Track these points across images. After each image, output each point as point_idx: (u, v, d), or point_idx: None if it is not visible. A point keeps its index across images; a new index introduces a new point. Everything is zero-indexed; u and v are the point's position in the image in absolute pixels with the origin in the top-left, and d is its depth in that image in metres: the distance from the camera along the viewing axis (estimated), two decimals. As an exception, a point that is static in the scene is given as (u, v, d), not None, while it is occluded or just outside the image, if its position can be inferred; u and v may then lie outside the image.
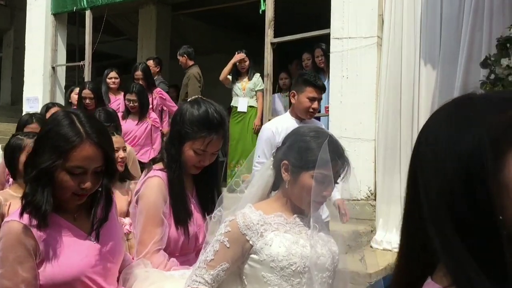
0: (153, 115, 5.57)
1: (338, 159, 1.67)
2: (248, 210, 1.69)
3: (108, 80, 6.33)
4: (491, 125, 0.65)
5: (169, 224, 1.98)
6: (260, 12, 6.20)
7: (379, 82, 5.09)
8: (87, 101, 5.35)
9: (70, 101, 6.26)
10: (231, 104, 6.32)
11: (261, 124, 6.06)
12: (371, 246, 4.81)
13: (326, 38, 5.58)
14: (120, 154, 2.96)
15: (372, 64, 5.11)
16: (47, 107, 5.03)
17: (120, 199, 2.70)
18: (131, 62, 8.42)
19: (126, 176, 3.02)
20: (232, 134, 6.02)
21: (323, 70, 5.89)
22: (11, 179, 2.85)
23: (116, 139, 2.72)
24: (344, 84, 5.20)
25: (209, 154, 2.01)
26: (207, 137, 1.96)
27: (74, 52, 8.78)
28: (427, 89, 4.79)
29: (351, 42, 5.23)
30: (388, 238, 4.83)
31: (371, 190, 5.01)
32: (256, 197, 1.78)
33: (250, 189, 1.80)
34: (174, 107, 5.86)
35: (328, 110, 5.42)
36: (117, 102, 6.03)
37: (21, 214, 1.52)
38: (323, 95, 5.77)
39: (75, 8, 8.02)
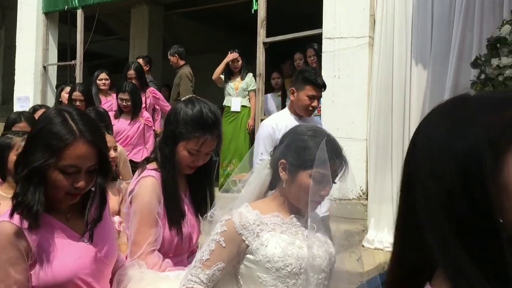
0: (145, 114, 5.54)
1: (336, 158, 1.67)
2: (244, 210, 1.68)
3: (98, 82, 6.26)
4: (489, 126, 0.65)
5: (163, 225, 1.96)
6: (252, 12, 6.20)
7: (371, 82, 5.11)
8: (77, 103, 5.29)
9: (60, 100, 6.21)
10: (224, 104, 6.31)
11: (255, 124, 6.08)
12: (363, 246, 4.83)
13: (318, 38, 5.60)
14: (111, 153, 2.95)
15: (363, 64, 5.13)
16: (34, 109, 4.96)
17: (111, 199, 2.69)
18: (123, 61, 8.38)
19: (115, 175, 3.01)
20: (225, 133, 5.98)
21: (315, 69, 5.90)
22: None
23: (107, 139, 2.71)
24: (336, 84, 5.22)
25: (203, 154, 1.99)
26: (201, 137, 1.93)
27: (65, 51, 8.74)
28: (419, 89, 4.82)
29: (343, 42, 5.24)
30: (379, 237, 4.85)
31: (362, 190, 5.02)
32: (253, 196, 1.77)
33: (247, 188, 1.79)
34: (168, 107, 5.84)
35: (320, 110, 5.43)
36: (107, 103, 5.97)
37: (11, 215, 1.48)
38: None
39: (66, 7, 7.98)
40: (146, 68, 6.87)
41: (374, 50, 5.12)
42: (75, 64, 7.90)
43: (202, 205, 2.12)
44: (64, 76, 8.78)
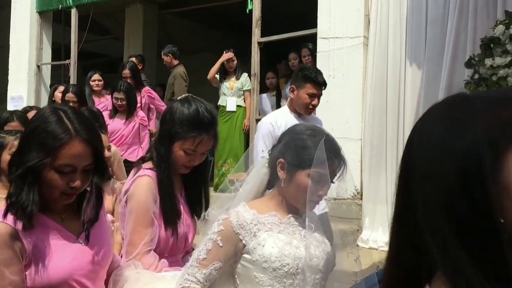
0: (141, 113, 5.52)
1: (335, 158, 1.66)
2: (242, 209, 1.67)
3: (91, 83, 6.21)
4: (488, 125, 0.64)
5: (158, 225, 1.94)
6: (247, 12, 6.20)
7: (365, 81, 5.12)
8: (71, 104, 5.26)
9: (53, 99, 6.17)
10: (218, 103, 6.31)
11: (250, 124, 6.09)
12: (357, 245, 4.84)
13: (312, 38, 5.60)
14: (105, 153, 2.93)
15: (358, 64, 5.14)
16: (25, 111, 4.92)
17: (105, 199, 2.67)
18: (118, 61, 8.36)
19: (109, 174, 3.00)
20: (220, 133, 5.94)
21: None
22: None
23: None
24: (331, 84, 5.20)
25: (199, 154, 1.98)
26: (197, 137, 1.92)
27: (59, 50, 8.70)
28: (413, 89, 4.84)
29: (338, 42, 5.25)
30: (374, 237, 4.87)
31: (357, 189, 5.03)
32: (250, 195, 1.76)
33: (244, 187, 1.78)
34: (163, 106, 5.81)
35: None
36: (101, 104, 5.93)
37: (5, 215, 1.46)
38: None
39: (60, 6, 7.95)
40: (139, 67, 6.85)
41: (368, 50, 5.13)
42: (69, 63, 7.86)
43: (198, 205, 2.10)
44: (58, 76, 8.74)
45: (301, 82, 3.35)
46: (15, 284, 1.44)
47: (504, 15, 3.38)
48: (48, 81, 8.30)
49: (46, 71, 8.37)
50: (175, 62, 6.55)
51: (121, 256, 1.95)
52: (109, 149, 3.05)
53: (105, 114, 5.37)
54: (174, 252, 2.03)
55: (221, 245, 1.62)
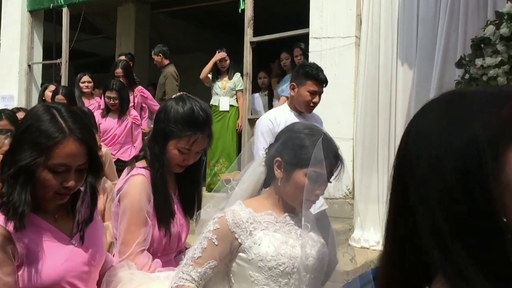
0: (133, 112, 5.48)
1: (332, 157, 1.65)
2: (238, 207, 1.66)
3: (81, 84, 6.15)
4: (488, 123, 0.62)
5: (152, 224, 1.92)
6: (240, 11, 6.20)
7: (357, 81, 5.14)
8: None
9: (44, 98, 6.12)
10: (211, 103, 6.30)
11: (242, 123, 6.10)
12: (349, 244, 4.85)
13: (305, 38, 5.62)
14: (98, 152, 2.92)
15: (350, 64, 5.16)
16: (12, 112, 4.87)
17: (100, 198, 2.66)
18: (110, 60, 8.33)
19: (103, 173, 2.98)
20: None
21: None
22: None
23: None
24: (323, 84, 5.23)
25: (193, 152, 1.96)
26: (192, 135, 1.90)
27: (51, 50, 8.65)
28: (404, 89, 4.86)
29: (330, 42, 5.27)
30: (365, 236, 4.89)
31: (349, 189, 5.05)
32: (246, 193, 1.74)
33: (240, 185, 1.77)
34: (156, 106, 5.78)
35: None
36: (91, 106, 5.87)
37: None
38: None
39: (51, 5, 7.91)
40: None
41: (360, 50, 5.15)
42: (61, 62, 7.82)
43: (191, 204, 2.08)
44: (50, 75, 8.69)
45: (302, 79, 3.27)
46: (8, 285, 1.42)
47: (495, 16, 3.40)
48: (39, 81, 8.25)
49: (37, 71, 8.32)
50: (166, 61, 6.53)
51: (113, 256, 1.93)
52: (99, 149, 3.04)
53: (97, 114, 5.35)
54: (167, 252, 2.01)
55: (216, 243, 1.60)
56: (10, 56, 8.15)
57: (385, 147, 4.95)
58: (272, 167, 1.69)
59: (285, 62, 6.36)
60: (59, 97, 5.22)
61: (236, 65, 6.50)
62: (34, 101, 7.71)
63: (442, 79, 4.43)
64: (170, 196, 1.99)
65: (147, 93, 6.11)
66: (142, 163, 1.99)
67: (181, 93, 2.07)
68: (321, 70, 3.36)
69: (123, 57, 6.76)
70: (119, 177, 2.41)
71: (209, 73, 6.37)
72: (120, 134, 5.29)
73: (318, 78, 3.27)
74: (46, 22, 8.49)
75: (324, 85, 3.34)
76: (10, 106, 7.41)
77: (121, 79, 5.69)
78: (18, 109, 5.03)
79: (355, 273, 3.48)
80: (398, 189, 0.70)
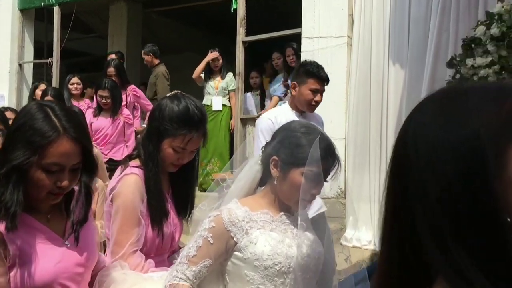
0: (125, 111, 5.44)
1: (329, 157, 1.64)
2: (234, 206, 1.65)
3: (70, 86, 6.11)
4: (489, 120, 0.60)
5: (145, 224, 1.89)
6: (232, 11, 6.20)
7: (349, 81, 5.15)
8: None
9: (34, 97, 6.09)
10: (203, 103, 6.29)
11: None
12: (341, 244, 4.87)
13: (297, 38, 5.62)
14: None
15: (342, 64, 5.17)
16: (0, 111, 4.81)
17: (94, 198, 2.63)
18: (102, 59, 8.29)
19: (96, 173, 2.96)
20: (204, 132, 5.98)
21: (294, 69, 5.93)
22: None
23: None
24: (315, 83, 5.24)
25: (188, 152, 1.93)
26: (187, 134, 1.87)
27: (42, 49, 8.60)
28: (396, 88, 4.88)
29: (322, 42, 5.28)
30: (357, 235, 4.91)
31: (341, 188, 5.06)
32: (242, 192, 1.73)
33: (236, 184, 1.75)
34: (149, 105, 5.75)
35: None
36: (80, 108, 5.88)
37: None
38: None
39: (42, 4, 7.86)
40: None
41: (352, 49, 5.17)
42: (52, 62, 7.78)
43: (185, 204, 2.06)
44: (41, 74, 8.64)
45: (303, 78, 3.22)
46: (1, 286, 1.39)
47: (485, 16, 3.42)
48: (30, 80, 8.20)
49: (28, 70, 8.27)
50: (156, 61, 6.51)
51: (106, 255, 1.92)
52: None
53: (89, 113, 5.32)
54: (161, 252, 1.99)
55: (211, 242, 1.59)
56: (1, 55, 8.09)
57: (377, 147, 4.97)
58: (268, 165, 1.68)
59: (276, 62, 6.37)
60: (48, 99, 5.16)
61: (229, 65, 6.50)
62: (25, 100, 7.65)
63: (433, 79, 4.46)
64: (163, 196, 1.97)
65: (140, 92, 6.07)
66: (136, 162, 1.97)
67: (176, 91, 2.04)
68: (322, 68, 3.31)
69: (113, 56, 6.73)
70: (110, 177, 2.39)
71: (202, 73, 6.36)
72: (112, 133, 5.25)
73: (319, 75, 3.22)
74: (37, 21, 8.44)
75: (325, 83, 3.29)
76: (1, 105, 7.37)
77: (113, 78, 5.66)
78: (6, 109, 4.97)
79: (347, 272, 3.49)
80: (396, 188, 0.68)
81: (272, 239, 1.61)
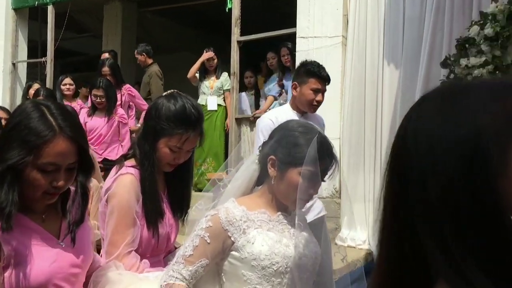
0: (120, 111, 5.41)
1: (327, 156, 1.63)
2: (231, 205, 1.63)
3: (62, 87, 6.07)
4: (493, 117, 0.59)
5: (141, 225, 1.87)
6: (227, 10, 6.19)
7: (344, 81, 5.16)
8: None
9: (28, 97, 6.05)
10: (198, 102, 6.28)
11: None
12: (335, 243, 4.88)
13: (292, 37, 5.62)
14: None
15: (337, 63, 5.18)
16: None
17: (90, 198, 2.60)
18: (96, 59, 8.27)
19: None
20: (199, 132, 5.98)
21: (289, 69, 5.94)
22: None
23: None
24: (310, 83, 5.24)
25: (184, 151, 1.91)
26: (184, 134, 1.86)
27: (36, 48, 8.56)
28: (390, 88, 4.89)
29: (317, 42, 5.28)
30: (352, 235, 4.92)
31: (336, 188, 5.06)
32: (239, 191, 1.72)
33: (233, 183, 1.74)
34: (144, 105, 5.72)
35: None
36: None
37: None
38: (289, 94, 5.85)
39: (36, 3, 7.83)
40: None
41: (347, 49, 5.17)
42: (46, 61, 7.74)
43: (181, 204, 2.04)
44: (35, 74, 8.61)
45: (303, 78, 3.17)
46: None
47: (479, 16, 3.43)
48: (23, 79, 8.16)
49: (22, 69, 8.23)
50: (149, 61, 6.50)
51: (101, 256, 1.90)
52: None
53: (83, 112, 5.30)
54: (156, 253, 1.97)
55: (208, 241, 1.57)
56: (-6, 54, 8.06)
57: (371, 146, 4.98)
58: (265, 165, 1.67)
59: (271, 62, 6.37)
60: (40, 99, 5.12)
61: (224, 65, 6.50)
62: (19, 100, 7.62)
63: (427, 79, 4.47)
64: (159, 196, 1.95)
65: (135, 92, 6.03)
66: (131, 161, 1.94)
67: (172, 90, 2.02)
68: (323, 68, 3.27)
69: (106, 55, 6.71)
70: (105, 177, 2.37)
71: (197, 73, 6.35)
72: (106, 133, 5.22)
73: (320, 75, 3.17)
74: (31, 20, 8.40)
75: (326, 82, 3.25)
76: (-6, 105, 7.32)
77: (108, 77, 5.62)
78: None
79: (341, 272, 3.49)
80: (396, 188, 0.66)
81: (269, 239, 1.59)
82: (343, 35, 5.19)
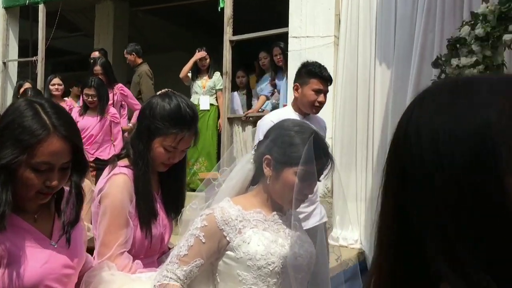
0: (112, 110, 5.36)
1: (323, 156, 1.62)
2: (226, 205, 1.62)
3: (51, 87, 6.02)
4: (501, 110, 0.56)
5: (134, 225, 1.85)
6: (219, 10, 6.19)
7: (336, 81, 5.17)
8: None
9: (18, 96, 6.01)
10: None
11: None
12: (328, 243, 4.89)
13: (284, 37, 5.63)
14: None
15: (329, 63, 5.18)
16: None
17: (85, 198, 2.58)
18: (88, 58, 8.23)
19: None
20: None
21: (281, 68, 5.95)
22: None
23: None
24: (302, 83, 5.25)
25: (179, 151, 1.89)
26: (179, 133, 1.84)
27: (27, 47, 8.51)
28: (382, 88, 4.91)
29: (309, 41, 5.29)
30: (344, 235, 4.94)
31: (328, 188, 5.08)
32: (234, 190, 1.70)
33: (228, 182, 1.72)
34: (137, 104, 5.69)
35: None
36: None
37: None
38: (281, 94, 5.86)
39: (27, 1, 7.78)
40: None
41: (339, 49, 5.19)
42: (37, 60, 7.70)
43: (175, 205, 2.02)
44: (26, 73, 8.54)
45: (305, 78, 3.14)
46: None
47: (470, 16, 3.46)
48: (14, 78, 8.11)
49: (13, 68, 8.18)
50: (139, 60, 6.47)
51: (94, 258, 1.89)
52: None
53: (75, 112, 5.27)
54: (150, 254, 1.95)
55: (204, 241, 1.55)
56: (-15, 54, 8.00)
57: (363, 146, 5.00)
58: (261, 164, 1.65)
59: (263, 62, 6.37)
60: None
61: (216, 64, 6.49)
62: (9, 99, 7.57)
63: (419, 79, 4.49)
64: (153, 196, 1.92)
65: (127, 91, 5.97)
66: (124, 161, 1.92)
67: (166, 89, 2.01)
68: (325, 68, 3.24)
69: (96, 53, 6.67)
70: (97, 177, 2.36)
71: (189, 72, 6.33)
72: (97, 133, 5.17)
73: (322, 75, 3.14)
74: (22, 19, 8.35)
75: (328, 83, 3.21)
76: (-15, 104, 7.28)
77: (100, 77, 5.57)
78: None
79: (333, 271, 3.50)
80: (395, 187, 0.64)
81: (265, 239, 1.58)
82: (335, 35, 5.21)
